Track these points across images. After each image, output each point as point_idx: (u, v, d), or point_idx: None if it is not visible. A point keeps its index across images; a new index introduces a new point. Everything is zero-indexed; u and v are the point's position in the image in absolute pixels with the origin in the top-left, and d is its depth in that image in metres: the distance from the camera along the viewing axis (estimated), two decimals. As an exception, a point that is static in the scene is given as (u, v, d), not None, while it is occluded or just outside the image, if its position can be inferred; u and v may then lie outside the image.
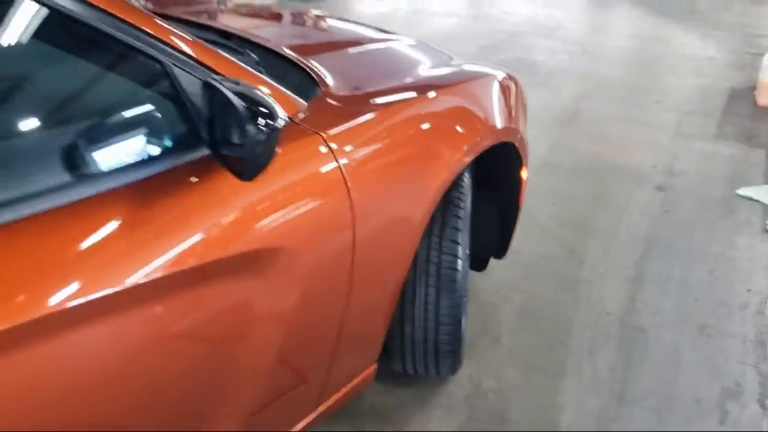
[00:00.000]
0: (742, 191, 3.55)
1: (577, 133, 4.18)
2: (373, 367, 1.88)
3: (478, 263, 2.53)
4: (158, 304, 1.12)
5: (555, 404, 2.15)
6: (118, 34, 1.12)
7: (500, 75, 2.23)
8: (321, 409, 1.71)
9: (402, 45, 2.36)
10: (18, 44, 1.11)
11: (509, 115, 2.13)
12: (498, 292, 2.67)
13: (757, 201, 3.46)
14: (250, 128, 1.05)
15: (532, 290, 2.68)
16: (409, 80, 1.96)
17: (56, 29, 1.11)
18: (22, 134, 1.11)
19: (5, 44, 1.11)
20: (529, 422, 2.06)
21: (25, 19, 1.08)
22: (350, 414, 2.04)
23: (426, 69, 2.11)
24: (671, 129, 4.40)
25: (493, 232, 2.46)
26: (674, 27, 7.22)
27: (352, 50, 2.13)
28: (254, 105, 1.08)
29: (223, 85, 1.08)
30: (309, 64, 1.74)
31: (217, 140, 1.15)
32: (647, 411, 2.13)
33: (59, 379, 1.02)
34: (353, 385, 1.81)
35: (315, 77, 1.66)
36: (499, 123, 2.05)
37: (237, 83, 1.12)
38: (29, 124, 1.12)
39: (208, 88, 1.12)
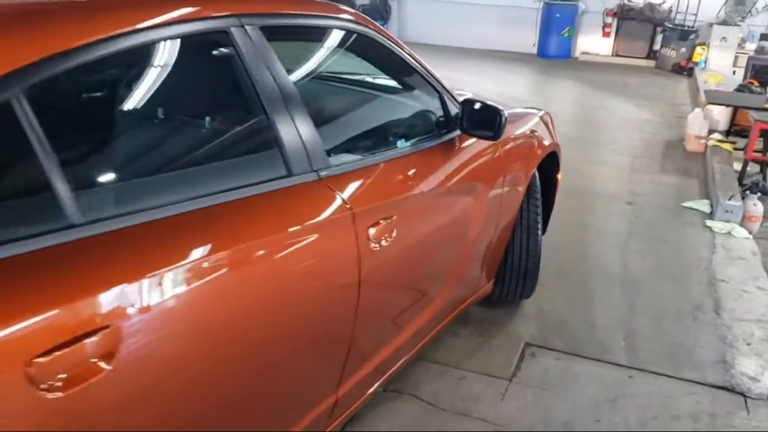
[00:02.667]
0: (685, 203, 5.00)
1: (562, 171, 5.58)
2: (491, 282, 3.11)
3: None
4: (441, 203, 2.36)
5: (591, 315, 3.41)
6: (424, 76, 2.39)
7: (541, 112, 3.56)
8: (475, 296, 2.93)
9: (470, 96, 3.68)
10: (378, 81, 2.38)
11: (551, 135, 3.46)
12: (539, 261, 3.95)
13: (697, 209, 4.90)
14: (497, 118, 2.32)
15: (559, 260, 3.96)
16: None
17: (401, 72, 2.38)
18: (384, 128, 2.36)
19: (375, 80, 2.39)
20: (580, 321, 3.32)
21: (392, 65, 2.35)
22: (472, 321, 3.24)
23: (500, 110, 3.43)
24: (627, 167, 5.88)
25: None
26: (613, 98, 8.91)
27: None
28: (490, 107, 2.37)
29: (478, 101, 2.37)
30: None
31: (463, 127, 2.42)
32: (649, 317, 3.41)
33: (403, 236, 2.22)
34: (483, 291, 3.04)
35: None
36: (547, 141, 3.37)
37: (478, 99, 2.41)
38: (389, 118, 2.39)
39: (466, 102, 2.40)
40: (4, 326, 1.00)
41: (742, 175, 5.40)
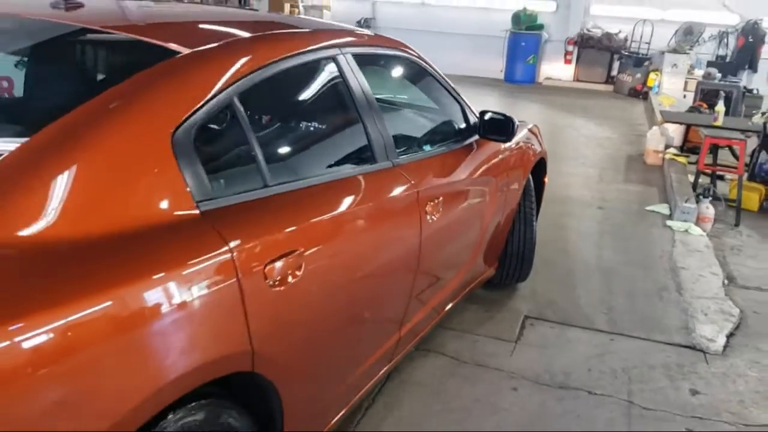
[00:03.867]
0: (648, 207, 5.72)
1: (539, 181, 6.29)
2: (495, 266, 3.73)
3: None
4: (467, 191, 2.98)
5: (576, 295, 4.05)
6: (451, 92, 3.02)
7: (529, 124, 4.21)
8: (484, 276, 3.54)
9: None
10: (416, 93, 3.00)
11: (540, 144, 4.12)
12: (528, 254, 4.59)
13: (658, 212, 5.62)
14: (511, 124, 2.96)
15: (546, 254, 4.59)
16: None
17: (435, 90, 3.00)
18: (427, 133, 2.97)
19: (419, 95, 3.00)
20: (568, 300, 3.95)
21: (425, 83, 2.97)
22: (478, 300, 3.84)
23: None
24: (596, 177, 6.61)
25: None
26: (577, 119, 9.72)
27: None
28: (504, 116, 3.00)
29: (493, 112, 3.00)
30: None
31: (481, 133, 3.05)
32: (624, 297, 4.07)
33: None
34: (489, 273, 3.65)
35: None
36: (538, 148, 4.03)
37: (493, 111, 3.04)
38: (430, 126, 3.00)
39: (483, 113, 3.03)
40: (255, 244, 1.58)
41: (695, 184, 6.15)
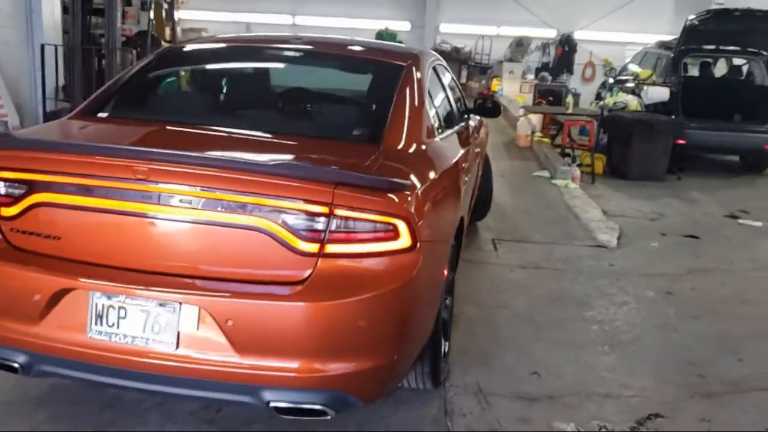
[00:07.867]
0: (534, 173, 7.83)
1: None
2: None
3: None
4: (477, 144, 4.74)
5: (516, 225, 5.94)
6: (458, 86, 4.76)
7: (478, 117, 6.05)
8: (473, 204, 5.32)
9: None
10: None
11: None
12: (473, 205, 6.43)
13: (542, 176, 7.74)
14: (499, 106, 4.74)
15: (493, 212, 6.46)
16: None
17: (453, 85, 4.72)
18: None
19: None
20: (512, 228, 5.83)
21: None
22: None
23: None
24: (491, 158, 8.66)
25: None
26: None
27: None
28: (490, 101, 4.79)
29: (486, 98, 4.78)
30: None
31: (478, 112, 4.82)
32: (545, 224, 6.03)
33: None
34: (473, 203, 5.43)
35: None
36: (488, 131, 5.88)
37: (483, 97, 4.82)
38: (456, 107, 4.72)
39: (477, 98, 4.80)
40: (461, 153, 3.24)
41: (562, 155, 8.38)
